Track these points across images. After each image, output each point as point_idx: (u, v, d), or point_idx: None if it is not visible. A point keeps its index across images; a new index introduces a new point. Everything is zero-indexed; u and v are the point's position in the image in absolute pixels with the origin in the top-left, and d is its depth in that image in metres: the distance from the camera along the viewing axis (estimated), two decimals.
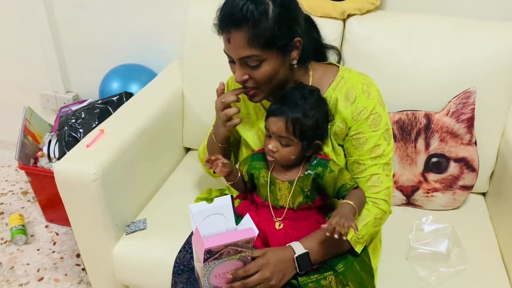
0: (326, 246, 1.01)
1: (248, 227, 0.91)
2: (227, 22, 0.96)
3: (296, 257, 0.99)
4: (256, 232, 0.89)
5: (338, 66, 1.12)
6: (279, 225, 1.06)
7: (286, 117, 0.99)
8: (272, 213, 1.07)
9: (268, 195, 1.07)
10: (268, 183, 1.07)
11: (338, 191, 1.04)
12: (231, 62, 1.03)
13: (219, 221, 0.96)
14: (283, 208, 1.06)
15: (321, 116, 1.03)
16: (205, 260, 0.89)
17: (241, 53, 0.97)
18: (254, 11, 0.93)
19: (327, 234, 0.91)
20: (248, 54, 0.96)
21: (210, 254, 0.88)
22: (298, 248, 1.00)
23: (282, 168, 1.07)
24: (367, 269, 1.08)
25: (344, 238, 0.91)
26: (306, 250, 0.99)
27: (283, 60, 1.00)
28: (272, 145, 1.02)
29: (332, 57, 1.23)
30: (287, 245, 1.01)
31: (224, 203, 0.96)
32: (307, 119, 1.00)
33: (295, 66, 1.04)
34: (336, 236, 0.90)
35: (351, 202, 0.99)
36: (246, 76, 1.00)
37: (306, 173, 1.05)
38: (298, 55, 1.03)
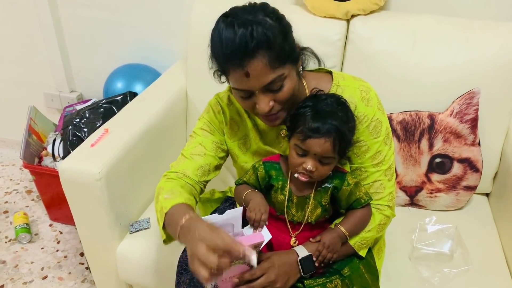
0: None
1: (257, 233, 0.90)
2: (241, 56, 0.87)
3: (300, 260, 0.98)
4: (266, 237, 0.88)
5: (330, 73, 1.08)
6: (294, 242, 1.03)
7: (333, 137, 0.91)
8: (289, 228, 1.04)
9: (285, 210, 1.02)
10: (286, 198, 1.01)
11: (351, 204, 1.02)
12: (246, 98, 0.95)
13: (228, 229, 0.95)
14: (300, 223, 1.03)
15: (355, 125, 0.99)
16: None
17: (265, 80, 0.89)
18: (265, 32, 0.86)
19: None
20: (273, 78, 0.90)
21: None
22: (302, 251, 1.00)
23: (300, 182, 0.99)
24: (372, 271, 1.08)
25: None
26: (310, 253, 0.99)
27: (296, 70, 0.96)
28: (311, 166, 0.93)
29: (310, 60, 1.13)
30: (291, 248, 1.01)
31: (236, 215, 0.94)
32: (350, 134, 0.96)
33: (301, 72, 1.02)
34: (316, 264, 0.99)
35: (345, 231, 1.01)
36: (272, 103, 0.94)
37: (323, 186, 1.00)
38: (302, 62, 1.01)
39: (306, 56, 1.07)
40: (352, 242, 1.04)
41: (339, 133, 0.92)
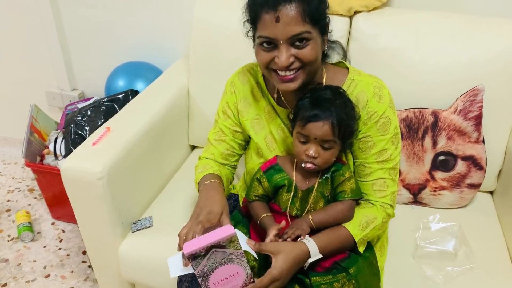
0: (332, 241, 1.01)
1: (226, 225, 0.89)
2: None
3: (311, 262, 0.97)
4: (234, 230, 0.87)
5: (348, 68, 1.10)
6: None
7: (331, 120, 0.95)
8: (290, 222, 1.04)
9: (289, 206, 1.04)
10: (292, 194, 1.04)
11: (336, 195, 1.03)
12: (267, 49, 0.95)
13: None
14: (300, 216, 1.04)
15: (354, 114, 1.01)
16: (195, 268, 0.88)
17: (294, 29, 0.91)
18: None
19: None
20: (301, 30, 0.91)
21: (196, 260, 0.87)
22: (314, 252, 0.97)
23: (304, 175, 1.04)
24: (374, 271, 1.08)
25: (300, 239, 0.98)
26: (321, 256, 0.97)
27: (322, 42, 0.98)
28: (314, 151, 0.97)
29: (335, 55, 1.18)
30: (301, 242, 0.98)
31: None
32: (349, 119, 0.98)
33: (326, 52, 1.04)
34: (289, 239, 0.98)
35: (311, 219, 1.01)
36: (293, 58, 0.94)
37: (324, 177, 1.03)
38: (327, 41, 1.02)
39: (332, 48, 1.10)
40: (357, 238, 1.02)
41: (337, 116, 0.95)
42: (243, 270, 0.92)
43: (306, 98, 0.99)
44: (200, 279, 0.90)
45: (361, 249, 1.05)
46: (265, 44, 0.95)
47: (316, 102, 0.97)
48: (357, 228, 1.03)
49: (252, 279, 0.94)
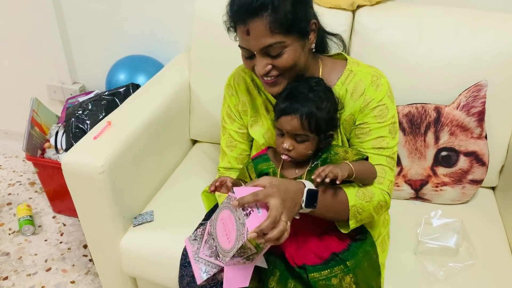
0: (326, 192, 0.97)
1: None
2: (244, 13, 0.92)
3: (307, 190, 0.91)
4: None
5: (346, 59, 1.10)
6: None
7: (300, 114, 0.97)
8: None
9: None
10: None
11: None
12: (248, 57, 0.99)
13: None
14: None
15: (332, 106, 1.02)
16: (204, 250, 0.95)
17: (263, 42, 0.93)
18: None
19: (317, 180, 0.89)
20: (270, 42, 0.93)
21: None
22: (309, 184, 0.94)
23: (292, 164, 1.05)
24: (374, 266, 1.07)
25: (338, 182, 0.90)
26: (316, 189, 0.93)
27: (303, 45, 0.98)
28: (287, 144, 0.99)
29: (334, 47, 1.19)
30: (297, 180, 0.96)
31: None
32: (320, 112, 0.98)
33: (313, 49, 1.04)
34: (321, 180, 0.89)
35: (350, 164, 0.96)
36: (269, 67, 0.97)
37: (313, 165, 1.04)
38: (315, 38, 1.02)
39: (332, 41, 1.12)
40: (351, 203, 0.98)
41: (307, 110, 0.97)
42: (228, 212, 0.89)
43: (285, 91, 1.01)
44: (219, 254, 0.91)
45: (351, 224, 1.00)
46: (244, 53, 0.99)
47: (289, 96, 0.99)
48: (353, 194, 0.99)
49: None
